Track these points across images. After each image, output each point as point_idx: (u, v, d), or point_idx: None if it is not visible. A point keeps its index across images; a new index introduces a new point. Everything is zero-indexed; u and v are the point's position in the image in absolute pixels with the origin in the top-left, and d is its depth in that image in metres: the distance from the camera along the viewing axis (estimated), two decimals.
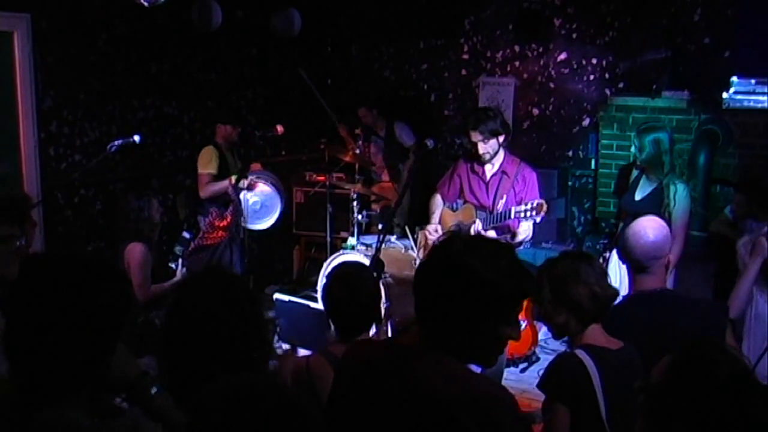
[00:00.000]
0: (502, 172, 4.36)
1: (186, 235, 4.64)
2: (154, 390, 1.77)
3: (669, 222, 4.12)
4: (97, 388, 1.56)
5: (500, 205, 4.28)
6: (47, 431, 1.42)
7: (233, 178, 5.29)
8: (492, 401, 1.63)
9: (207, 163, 5.40)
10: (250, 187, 5.44)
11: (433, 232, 4.45)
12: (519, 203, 4.25)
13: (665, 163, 4.17)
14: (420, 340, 1.73)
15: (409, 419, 1.64)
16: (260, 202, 5.57)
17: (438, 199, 4.62)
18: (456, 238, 1.75)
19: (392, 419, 1.67)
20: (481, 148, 4.27)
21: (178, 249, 4.53)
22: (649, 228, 2.76)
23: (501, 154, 4.37)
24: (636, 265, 2.78)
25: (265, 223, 5.64)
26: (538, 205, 3.97)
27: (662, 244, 2.76)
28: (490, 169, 4.40)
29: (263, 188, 5.55)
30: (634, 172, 4.46)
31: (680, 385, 1.50)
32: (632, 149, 4.33)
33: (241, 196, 5.38)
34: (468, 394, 1.61)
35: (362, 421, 1.76)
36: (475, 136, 4.25)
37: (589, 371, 2.22)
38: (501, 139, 4.31)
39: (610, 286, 2.40)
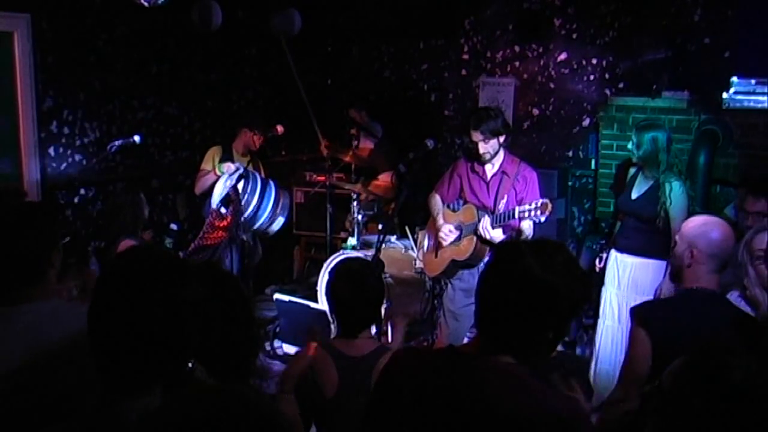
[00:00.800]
0: (502, 172, 4.36)
1: (173, 226, 4.67)
2: (189, 364, 1.80)
3: (666, 220, 4.12)
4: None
5: (501, 205, 4.28)
6: (132, 420, 1.44)
7: (216, 169, 5.29)
8: (572, 420, 1.56)
9: (206, 161, 5.44)
10: (229, 169, 5.26)
11: (448, 233, 4.42)
12: (519, 203, 4.25)
13: (662, 161, 4.17)
14: (480, 349, 1.67)
15: None
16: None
17: (438, 199, 4.61)
18: (521, 245, 1.71)
19: None
20: (482, 147, 4.27)
21: (168, 242, 4.55)
22: (723, 226, 2.70)
23: (501, 154, 4.37)
24: (723, 265, 2.66)
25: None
26: (542, 204, 3.96)
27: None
28: (490, 169, 4.40)
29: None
30: (631, 171, 4.45)
31: (693, 388, 1.49)
32: (629, 145, 4.32)
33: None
34: (545, 412, 1.54)
35: None
36: (476, 136, 4.26)
37: None
38: (502, 139, 4.31)
39: None
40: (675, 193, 4.11)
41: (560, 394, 1.67)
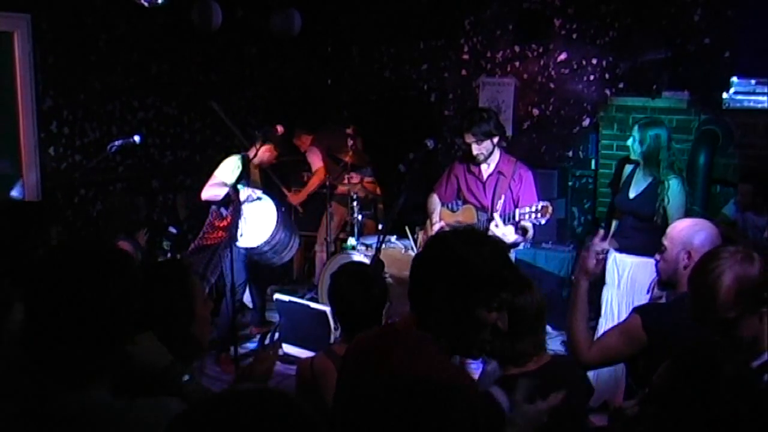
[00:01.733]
0: (498, 172, 4.38)
1: (172, 230, 4.64)
2: (185, 378, 1.83)
3: (665, 218, 4.10)
4: (119, 372, 1.60)
5: (499, 205, 4.29)
6: (74, 412, 1.45)
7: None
8: (450, 388, 1.66)
9: (226, 171, 5.03)
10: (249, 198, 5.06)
11: (437, 228, 4.46)
12: (516, 202, 4.26)
13: (663, 159, 4.15)
14: (411, 324, 1.82)
15: (383, 400, 1.69)
16: (256, 217, 5.09)
17: (436, 199, 4.63)
18: (447, 229, 1.82)
19: (371, 400, 1.72)
20: (475, 149, 4.29)
21: (165, 244, 4.55)
22: (711, 225, 2.73)
23: (497, 154, 4.38)
24: None
25: (252, 240, 5.08)
26: (542, 207, 3.96)
27: None
28: (486, 170, 4.42)
29: (265, 203, 5.13)
30: (627, 170, 4.43)
31: (685, 386, 1.49)
32: (629, 142, 4.30)
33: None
34: (426, 378, 1.67)
35: (355, 401, 1.81)
36: (469, 138, 4.28)
37: None
38: (495, 140, 4.32)
39: None
40: (673, 191, 4.09)
41: (449, 365, 1.77)
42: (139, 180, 5.81)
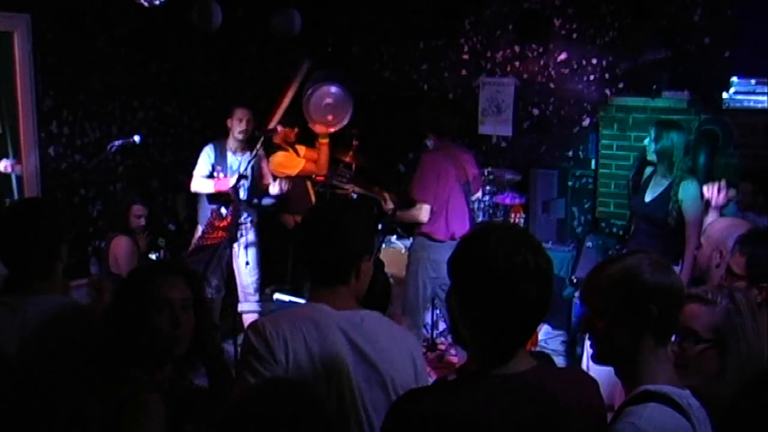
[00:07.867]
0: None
1: (171, 227, 4.68)
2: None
3: (679, 220, 4.07)
4: None
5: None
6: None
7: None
8: (602, 406, 1.73)
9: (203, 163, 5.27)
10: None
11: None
12: None
13: (677, 161, 4.12)
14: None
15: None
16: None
17: None
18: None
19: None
20: None
21: (161, 241, 4.57)
22: (747, 227, 2.77)
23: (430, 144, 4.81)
24: None
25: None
26: None
27: None
28: None
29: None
30: (646, 172, 4.41)
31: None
32: (646, 141, 4.28)
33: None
34: (586, 401, 1.68)
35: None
36: None
37: None
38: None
39: None
40: (689, 193, 4.04)
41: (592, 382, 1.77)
42: (139, 180, 5.81)
